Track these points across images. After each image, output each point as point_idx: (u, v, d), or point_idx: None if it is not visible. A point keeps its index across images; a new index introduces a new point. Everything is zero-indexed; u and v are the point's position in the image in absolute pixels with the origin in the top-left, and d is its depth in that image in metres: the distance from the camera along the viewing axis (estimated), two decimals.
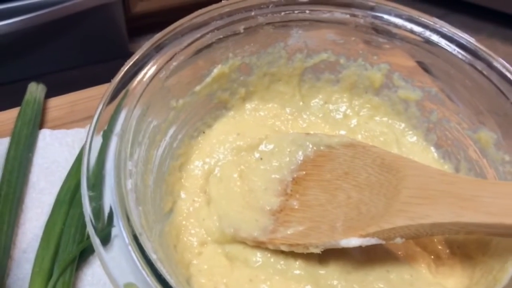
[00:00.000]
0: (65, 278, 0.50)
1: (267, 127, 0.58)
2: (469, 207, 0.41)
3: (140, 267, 0.36)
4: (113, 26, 1.71)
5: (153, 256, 0.36)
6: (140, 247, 0.36)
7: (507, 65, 0.50)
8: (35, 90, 0.68)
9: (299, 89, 0.60)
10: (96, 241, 0.36)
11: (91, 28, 1.67)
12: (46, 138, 0.64)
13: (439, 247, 0.50)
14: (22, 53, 1.60)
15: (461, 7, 2.00)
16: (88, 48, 1.72)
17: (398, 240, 0.43)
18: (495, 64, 0.50)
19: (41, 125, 0.66)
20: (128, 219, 0.38)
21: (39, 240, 0.54)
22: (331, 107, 0.60)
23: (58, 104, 0.69)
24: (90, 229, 0.37)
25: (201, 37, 0.50)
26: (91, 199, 0.38)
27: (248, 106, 0.59)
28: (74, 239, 0.53)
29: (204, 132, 0.56)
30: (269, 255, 0.48)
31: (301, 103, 0.60)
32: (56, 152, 0.63)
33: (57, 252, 0.52)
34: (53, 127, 0.66)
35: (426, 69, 0.55)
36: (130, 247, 0.36)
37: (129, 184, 0.40)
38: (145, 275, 0.35)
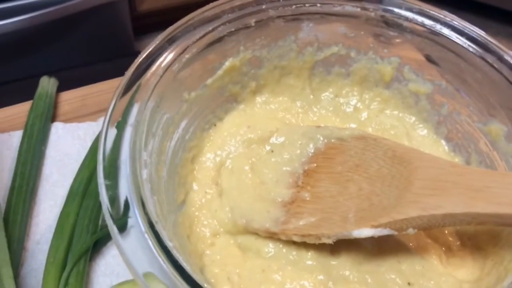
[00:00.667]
0: (79, 268, 0.51)
1: (277, 120, 0.58)
2: (481, 198, 0.41)
3: (157, 255, 0.36)
4: (119, 24, 1.71)
5: (169, 244, 0.37)
6: (156, 234, 0.37)
7: None
8: (47, 84, 0.69)
9: (309, 83, 0.60)
10: (114, 229, 0.37)
11: (97, 26, 1.68)
12: (58, 131, 0.65)
13: (450, 238, 0.50)
14: (31, 50, 1.61)
15: (467, 6, 2.00)
16: (94, 46, 1.72)
17: (411, 231, 0.43)
18: (506, 57, 0.51)
19: (53, 119, 0.67)
20: (144, 207, 0.38)
21: (52, 231, 0.54)
22: (341, 100, 0.60)
23: (70, 98, 0.70)
24: (107, 218, 0.37)
25: (213, 30, 0.51)
26: (107, 188, 0.38)
27: (258, 99, 0.59)
28: (87, 230, 0.53)
29: (215, 125, 0.56)
30: (281, 246, 0.48)
31: (311, 96, 0.60)
32: (68, 145, 0.64)
33: (71, 243, 0.53)
34: (65, 121, 0.67)
35: (435, 63, 0.55)
36: (146, 235, 0.37)
37: (145, 174, 0.40)
38: (162, 262, 0.36)
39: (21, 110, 0.67)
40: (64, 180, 0.60)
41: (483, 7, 2.00)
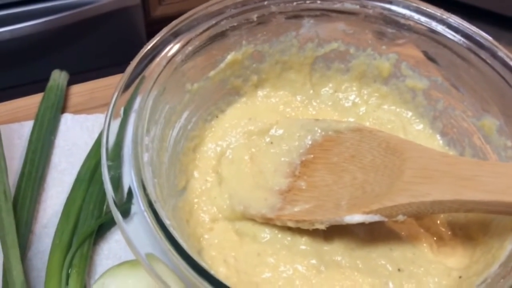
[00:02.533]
0: (83, 250, 0.53)
1: (278, 113, 0.60)
2: (469, 186, 0.42)
3: (155, 233, 0.38)
4: (133, 29, 1.74)
5: (166, 222, 0.39)
6: (155, 213, 0.39)
7: (510, 54, 0.52)
8: (58, 77, 0.71)
9: (310, 78, 0.62)
10: (117, 214, 0.39)
11: (111, 31, 1.70)
12: (67, 122, 0.67)
13: (442, 228, 0.51)
14: (46, 53, 1.64)
15: (479, 15, 2.00)
16: (108, 50, 1.75)
17: (400, 217, 0.45)
18: (499, 53, 0.52)
19: (63, 110, 0.69)
20: (144, 188, 0.40)
21: (59, 216, 0.57)
22: (340, 95, 0.62)
23: (79, 91, 0.72)
24: (110, 201, 0.39)
25: (216, 24, 0.53)
26: (109, 168, 0.40)
27: (260, 93, 0.61)
28: (92, 215, 0.55)
29: (217, 116, 0.58)
30: (276, 231, 0.50)
31: (311, 91, 0.62)
32: (76, 136, 0.66)
33: (76, 227, 0.55)
34: (74, 112, 0.69)
35: (432, 59, 0.56)
36: (145, 214, 0.39)
37: (146, 157, 0.43)
38: (160, 240, 0.38)
39: (32, 101, 0.70)
40: (72, 168, 0.62)
41: (496, 17, 2.00)
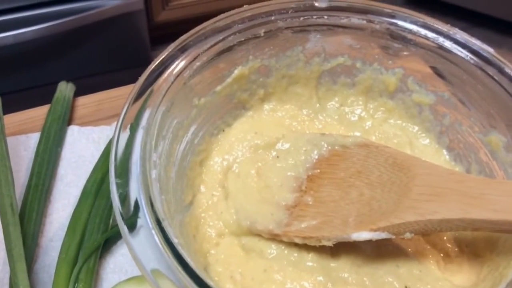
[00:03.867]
0: (89, 265, 0.53)
1: (284, 127, 0.60)
2: (476, 204, 0.42)
3: (163, 251, 0.38)
4: (136, 34, 1.74)
5: (175, 240, 0.39)
6: (163, 231, 0.39)
7: None
8: (64, 88, 0.72)
9: (316, 92, 0.62)
10: (123, 228, 0.39)
11: (115, 36, 1.71)
12: (74, 134, 0.68)
13: (448, 245, 0.51)
14: (50, 58, 1.64)
15: (483, 21, 2.00)
16: (112, 55, 1.75)
17: (408, 235, 0.45)
18: (507, 70, 0.52)
19: (69, 122, 0.70)
20: (152, 205, 0.40)
21: (65, 229, 0.57)
22: (346, 109, 0.62)
23: (86, 103, 0.73)
24: (117, 214, 0.39)
25: (223, 39, 0.53)
26: (118, 186, 0.41)
27: (266, 106, 0.61)
28: (98, 229, 0.56)
29: (223, 130, 0.58)
30: (283, 247, 0.50)
31: (317, 105, 0.62)
32: (83, 148, 0.66)
33: (83, 241, 0.55)
34: (81, 124, 0.70)
35: (439, 74, 0.56)
36: (153, 231, 0.39)
37: (154, 174, 0.43)
38: (167, 258, 0.38)
39: (39, 113, 0.70)
40: (78, 181, 0.62)
41: (500, 23, 2.01)
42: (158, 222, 0.39)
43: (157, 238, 0.39)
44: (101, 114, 0.71)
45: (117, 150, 0.43)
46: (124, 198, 0.41)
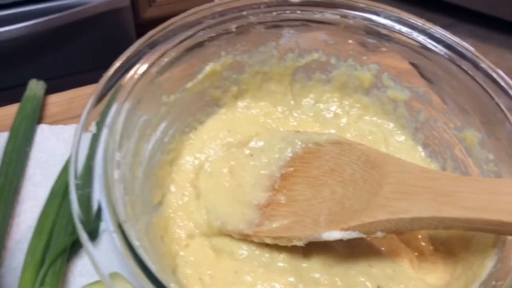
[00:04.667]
0: (55, 268, 0.51)
1: (258, 124, 0.59)
2: (448, 202, 0.41)
3: (124, 254, 0.37)
4: (122, 31, 1.72)
5: (135, 243, 0.37)
6: (124, 234, 0.38)
7: (493, 66, 0.51)
8: (35, 86, 0.70)
9: (290, 88, 0.61)
10: (81, 232, 0.37)
11: (100, 33, 1.69)
12: (44, 133, 0.66)
13: (423, 243, 0.50)
14: (34, 56, 1.62)
15: (470, 17, 2.00)
16: (97, 52, 1.73)
17: (379, 234, 0.44)
18: (482, 64, 0.51)
19: (39, 121, 0.68)
20: (113, 207, 0.39)
21: (32, 231, 0.55)
22: (321, 106, 0.61)
23: (57, 101, 0.71)
24: (75, 218, 0.38)
25: (193, 35, 0.52)
26: (77, 187, 0.39)
27: (240, 104, 0.60)
28: (66, 231, 0.54)
29: (196, 128, 0.57)
30: (254, 248, 0.49)
31: (292, 102, 0.61)
32: (53, 147, 0.64)
33: (49, 243, 0.53)
34: (51, 123, 0.68)
35: (417, 70, 0.56)
36: (114, 235, 0.38)
37: (116, 174, 0.41)
38: (128, 262, 0.37)
39: (8, 112, 0.68)
40: (47, 181, 0.61)
41: (486, 18, 2.01)
42: (119, 225, 0.38)
43: (118, 241, 0.37)
44: (72, 113, 0.69)
45: (78, 150, 0.41)
46: (86, 200, 0.40)
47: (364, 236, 0.44)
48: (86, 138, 0.43)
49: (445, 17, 1.97)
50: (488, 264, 0.43)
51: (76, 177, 0.40)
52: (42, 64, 1.63)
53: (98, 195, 0.40)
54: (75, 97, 0.71)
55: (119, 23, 1.69)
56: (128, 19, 1.71)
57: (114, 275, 0.37)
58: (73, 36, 1.63)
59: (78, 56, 1.69)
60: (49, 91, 0.72)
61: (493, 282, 0.40)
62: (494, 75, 0.51)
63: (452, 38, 0.53)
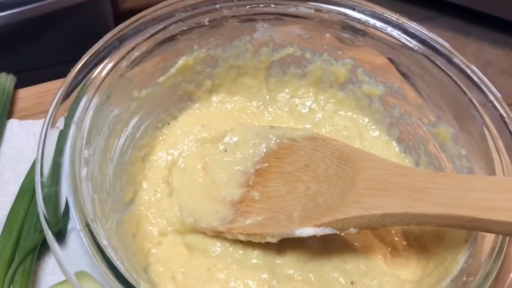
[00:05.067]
0: (25, 265, 0.50)
1: (232, 119, 0.58)
2: (420, 199, 0.41)
3: (91, 253, 0.36)
4: (100, 22, 1.69)
5: (103, 243, 0.37)
6: (91, 233, 0.37)
7: (466, 61, 0.51)
8: (4, 80, 0.68)
9: (266, 83, 0.60)
10: (47, 231, 0.36)
11: (78, 24, 1.66)
12: (13, 128, 0.64)
13: (396, 239, 0.50)
14: (8, 48, 1.58)
15: (450, 10, 2.01)
16: (75, 44, 1.69)
17: (352, 230, 0.44)
18: (455, 60, 0.51)
19: (9, 115, 0.66)
20: (81, 206, 0.38)
21: (1, 228, 0.54)
22: (297, 101, 0.61)
23: (27, 95, 0.69)
24: (41, 216, 0.37)
25: (164, 28, 0.51)
26: (43, 185, 0.38)
27: (214, 98, 0.59)
28: (36, 228, 0.53)
29: (169, 123, 0.56)
30: (228, 244, 0.48)
31: (267, 96, 0.61)
32: (23, 142, 0.63)
33: (19, 240, 0.52)
34: (21, 118, 0.66)
35: (389, 64, 0.55)
36: (82, 233, 0.37)
37: (84, 171, 0.40)
38: (95, 261, 0.36)
39: None
40: (17, 177, 0.59)
41: (466, 12, 2.02)
42: (87, 224, 0.37)
43: (85, 240, 0.36)
44: (43, 107, 0.67)
45: (44, 147, 0.40)
46: (54, 198, 0.39)
47: (338, 232, 0.44)
48: (54, 134, 0.42)
49: (424, 10, 1.97)
50: (460, 260, 0.43)
51: (42, 175, 0.39)
52: (16, 56, 1.60)
53: (65, 193, 0.39)
54: (46, 91, 0.69)
55: (98, 14, 1.66)
56: (106, 10, 1.68)
57: (82, 275, 0.36)
58: (49, 27, 1.59)
59: (54, 48, 1.66)
60: (22, 84, 0.71)
61: (464, 278, 0.41)
62: (468, 71, 0.51)
63: (426, 33, 0.53)
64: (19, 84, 0.70)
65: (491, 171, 0.45)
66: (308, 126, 0.59)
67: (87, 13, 1.63)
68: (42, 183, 0.38)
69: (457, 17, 2.02)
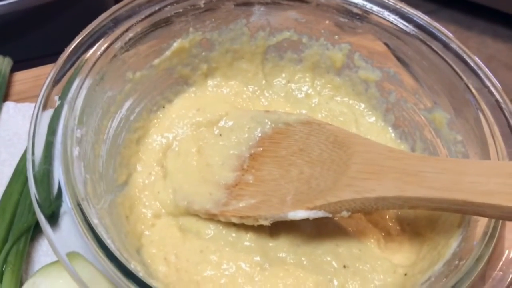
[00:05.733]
0: (19, 246, 0.50)
1: (228, 104, 0.58)
2: (413, 182, 0.41)
3: (82, 232, 0.36)
4: (102, 11, 1.69)
5: (94, 221, 0.37)
6: (82, 212, 0.37)
7: (463, 46, 0.51)
8: (0, 63, 0.68)
9: (262, 68, 0.60)
10: (38, 213, 0.36)
11: (79, 13, 1.65)
12: (9, 110, 0.64)
13: (390, 224, 0.50)
14: (8, 37, 1.57)
15: (452, 3, 1.99)
16: (76, 33, 1.69)
17: (344, 213, 0.44)
18: (452, 45, 0.51)
19: (5, 98, 0.66)
20: (72, 185, 0.38)
21: None
22: (293, 86, 0.60)
23: (24, 78, 0.69)
24: (32, 195, 0.37)
25: (159, 10, 0.50)
26: (34, 163, 0.38)
27: (210, 82, 0.59)
28: (30, 210, 0.53)
29: (164, 107, 0.56)
30: (221, 227, 0.48)
31: (264, 81, 0.60)
32: (18, 125, 0.63)
33: (13, 222, 0.52)
34: (18, 100, 0.66)
35: (386, 49, 0.55)
36: (72, 212, 0.37)
37: (76, 151, 0.40)
38: (86, 240, 0.36)
39: None
40: (12, 160, 0.59)
41: (469, 5, 2.00)
42: (78, 203, 0.37)
43: (76, 218, 0.36)
44: (39, 90, 0.67)
45: (36, 126, 0.40)
46: (46, 179, 0.39)
47: (330, 215, 0.44)
48: (47, 114, 0.42)
49: (428, 3, 1.96)
50: (453, 244, 0.43)
51: (33, 153, 0.39)
52: (17, 45, 1.59)
53: (58, 173, 0.39)
54: (42, 74, 0.69)
55: (99, 2, 1.65)
56: None
57: (73, 255, 0.36)
58: (50, 16, 1.58)
59: (55, 36, 1.65)
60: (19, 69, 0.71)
61: (456, 262, 0.41)
62: (464, 56, 0.50)
63: (423, 17, 0.53)
64: (16, 69, 0.70)
65: (485, 156, 0.45)
66: (304, 111, 0.59)
67: (89, 1, 1.62)
68: (33, 161, 0.38)
69: (460, 10, 2.00)
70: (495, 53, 1.87)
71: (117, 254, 0.35)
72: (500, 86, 0.49)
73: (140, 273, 0.35)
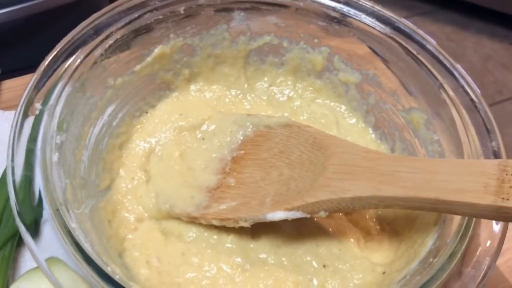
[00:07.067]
0: (5, 252, 0.51)
1: (211, 108, 0.59)
2: (387, 182, 0.42)
3: (60, 237, 0.37)
4: None
5: (72, 225, 0.37)
6: (60, 216, 0.37)
7: (439, 47, 0.52)
8: None
9: (244, 72, 0.61)
10: (18, 220, 0.37)
11: (76, 21, 1.65)
12: None
13: (370, 223, 0.51)
14: (3, 47, 1.58)
15: (449, 3, 2.00)
16: None
17: (322, 213, 0.44)
18: (428, 46, 0.52)
19: None
20: (51, 190, 0.39)
21: None
22: (275, 89, 0.61)
23: (11, 86, 0.70)
24: (11, 201, 0.38)
25: (139, 17, 0.51)
26: (14, 170, 0.39)
27: (192, 87, 0.60)
28: None
29: (147, 112, 0.56)
30: (203, 230, 0.49)
31: (246, 85, 0.61)
32: (5, 133, 0.62)
33: None
34: (6, 108, 0.67)
35: (364, 51, 0.56)
36: (51, 217, 0.37)
37: (55, 157, 0.41)
38: (64, 244, 0.36)
39: None
40: None
41: (465, 5, 2.01)
42: (57, 208, 0.38)
43: (54, 223, 0.37)
44: None
45: (16, 133, 0.41)
46: (28, 186, 0.39)
47: (308, 216, 0.45)
48: (29, 122, 0.43)
49: (424, 4, 1.96)
50: (429, 242, 0.44)
51: (13, 160, 0.39)
52: (12, 55, 1.59)
53: (39, 180, 0.40)
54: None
55: (96, 9, 1.66)
56: (105, 5, 1.68)
57: (54, 261, 0.37)
58: (49, 24, 1.59)
59: (44, 47, 1.65)
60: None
61: (431, 259, 0.41)
62: (440, 57, 0.51)
63: (401, 20, 0.54)
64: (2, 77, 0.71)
65: (460, 154, 0.46)
66: (286, 114, 0.60)
67: (85, 9, 1.63)
68: (13, 168, 0.39)
69: (457, 11, 2.01)
70: (492, 52, 1.88)
71: (94, 257, 0.36)
72: (475, 85, 0.50)
73: (117, 276, 0.36)
